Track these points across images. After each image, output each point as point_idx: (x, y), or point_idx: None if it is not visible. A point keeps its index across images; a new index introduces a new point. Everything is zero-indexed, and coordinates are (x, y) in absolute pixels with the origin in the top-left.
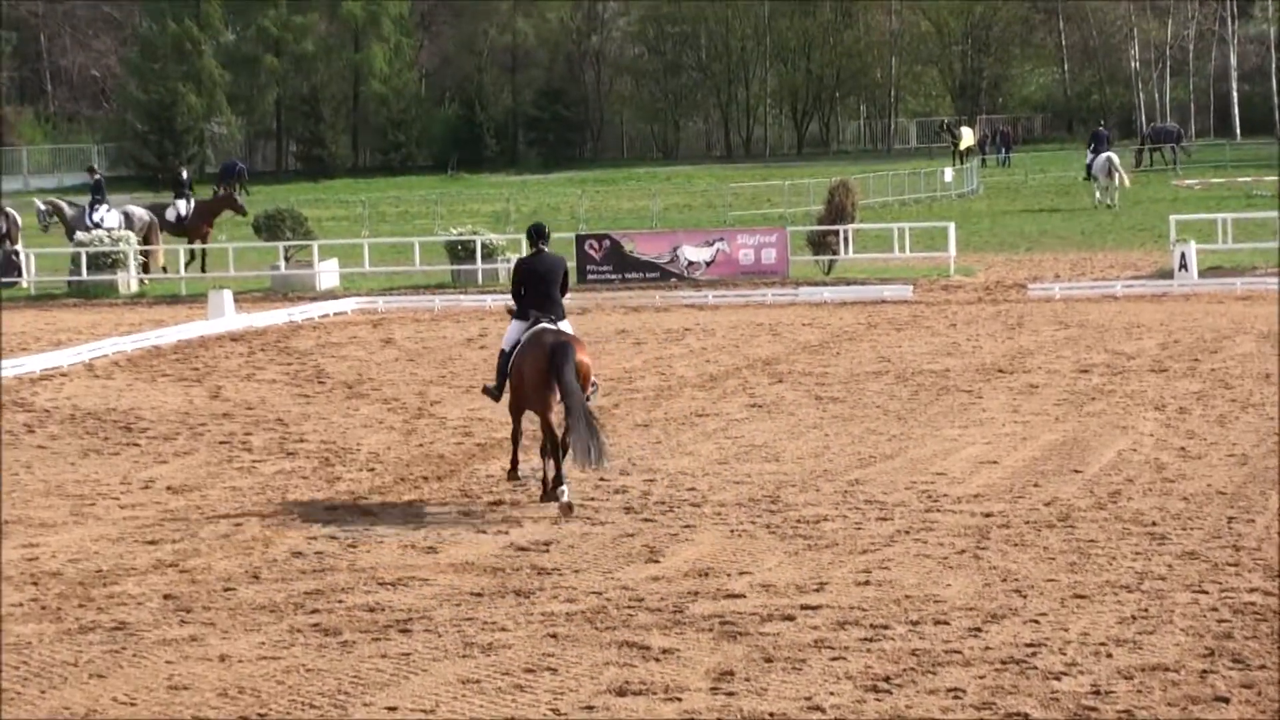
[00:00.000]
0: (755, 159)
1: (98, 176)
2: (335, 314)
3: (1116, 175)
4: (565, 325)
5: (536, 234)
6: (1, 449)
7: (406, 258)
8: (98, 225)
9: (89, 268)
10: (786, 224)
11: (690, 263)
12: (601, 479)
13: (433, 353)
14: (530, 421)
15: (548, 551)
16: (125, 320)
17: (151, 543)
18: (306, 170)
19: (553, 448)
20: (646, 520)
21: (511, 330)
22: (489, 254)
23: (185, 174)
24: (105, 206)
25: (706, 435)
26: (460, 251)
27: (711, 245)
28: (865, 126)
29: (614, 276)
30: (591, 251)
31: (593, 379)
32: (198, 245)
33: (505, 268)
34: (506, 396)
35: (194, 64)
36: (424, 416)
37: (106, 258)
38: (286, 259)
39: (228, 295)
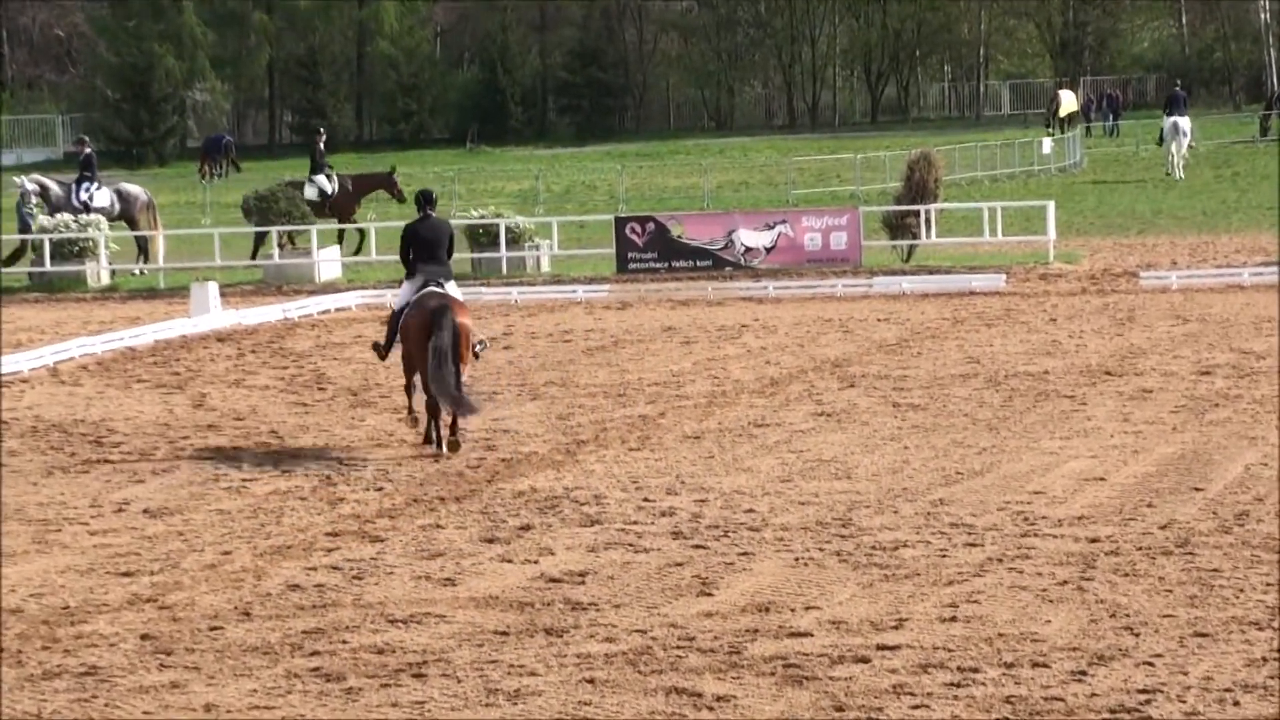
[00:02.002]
0: (822, 128)
1: (88, 150)
2: (337, 310)
3: (1177, 143)
4: (451, 286)
5: (425, 199)
6: (2, 456)
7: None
8: (86, 206)
9: (53, 257)
10: (859, 204)
11: (747, 249)
12: (645, 499)
13: None
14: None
15: (583, 583)
16: (95, 317)
17: (126, 575)
18: (303, 144)
19: (430, 402)
20: (698, 547)
21: (403, 290)
22: (515, 240)
23: (322, 144)
24: (95, 184)
25: (766, 449)
26: (482, 237)
27: (772, 229)
28: (950, 90)
29: (659, 265)
30: (633, 236)
31: (476, 340)
32: (350, 226)
33: (534, 256)
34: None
35: (172, 21)
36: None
37: (73, 245)
38: (280, 246)
39: (213, 288)
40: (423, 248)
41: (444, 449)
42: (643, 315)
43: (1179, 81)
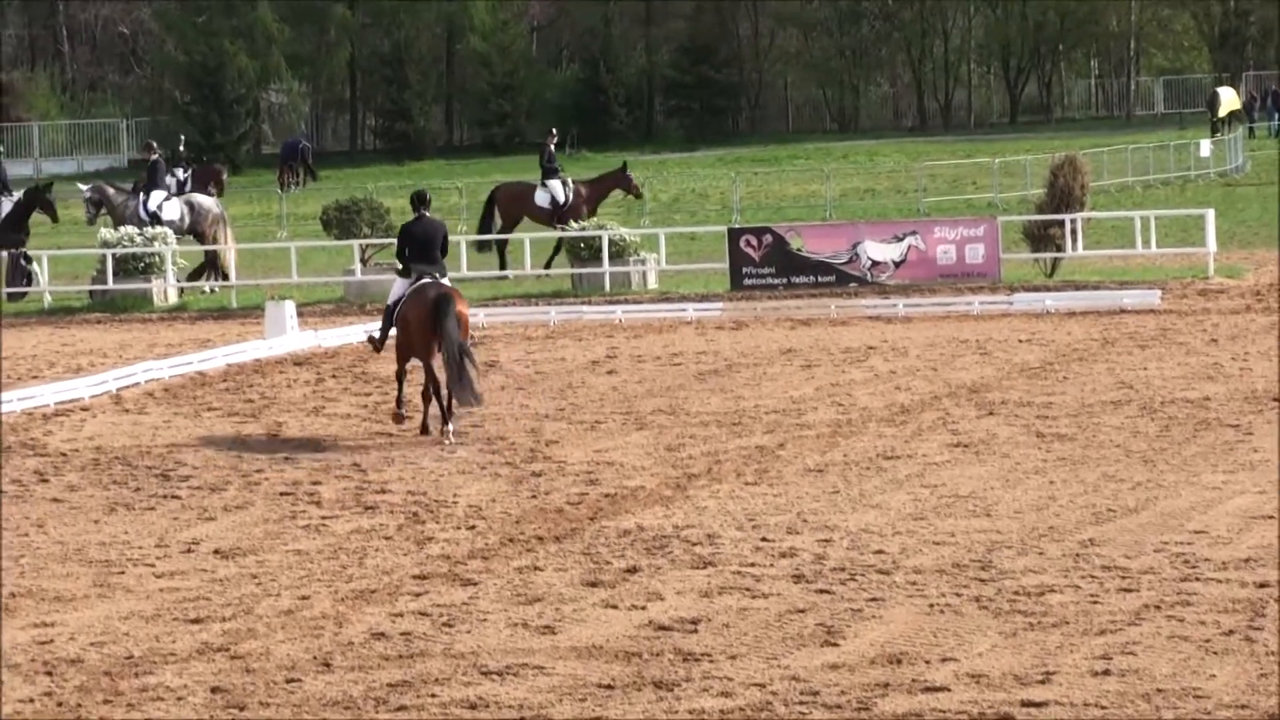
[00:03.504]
0: (956, 130)
1: (156, 156)
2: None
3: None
4: (446, 282)
5: (419, 200)
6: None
7: (514, 259)
8: (155, 218)
9: (116, 274)
10: (997, 213)
11: (874, 263)
12: (764, 538)
13: (548, 379)
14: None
15: (695, 631)
16: (161, 340)
17: (195, 621)
18: (388, 149)
19: (435, 390)
20: (822, 592)
21: (397, 287)
22: (619, 253)
23: (552, 146)
24: (163, 194)
25: (897, 483)
26: (582, 250)
27: (901, 241)
28: (1097, 88)
29: (777, 281)
30: (749, 249)
31: (472, 331)
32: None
33: (640, 271)
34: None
35: (246, 16)
36: (537, 460)
37: (138, 261)
38: (363, 262)
39: (289, 308)
40: (418, 247)
41: (448, 436)
42: (759, 336)
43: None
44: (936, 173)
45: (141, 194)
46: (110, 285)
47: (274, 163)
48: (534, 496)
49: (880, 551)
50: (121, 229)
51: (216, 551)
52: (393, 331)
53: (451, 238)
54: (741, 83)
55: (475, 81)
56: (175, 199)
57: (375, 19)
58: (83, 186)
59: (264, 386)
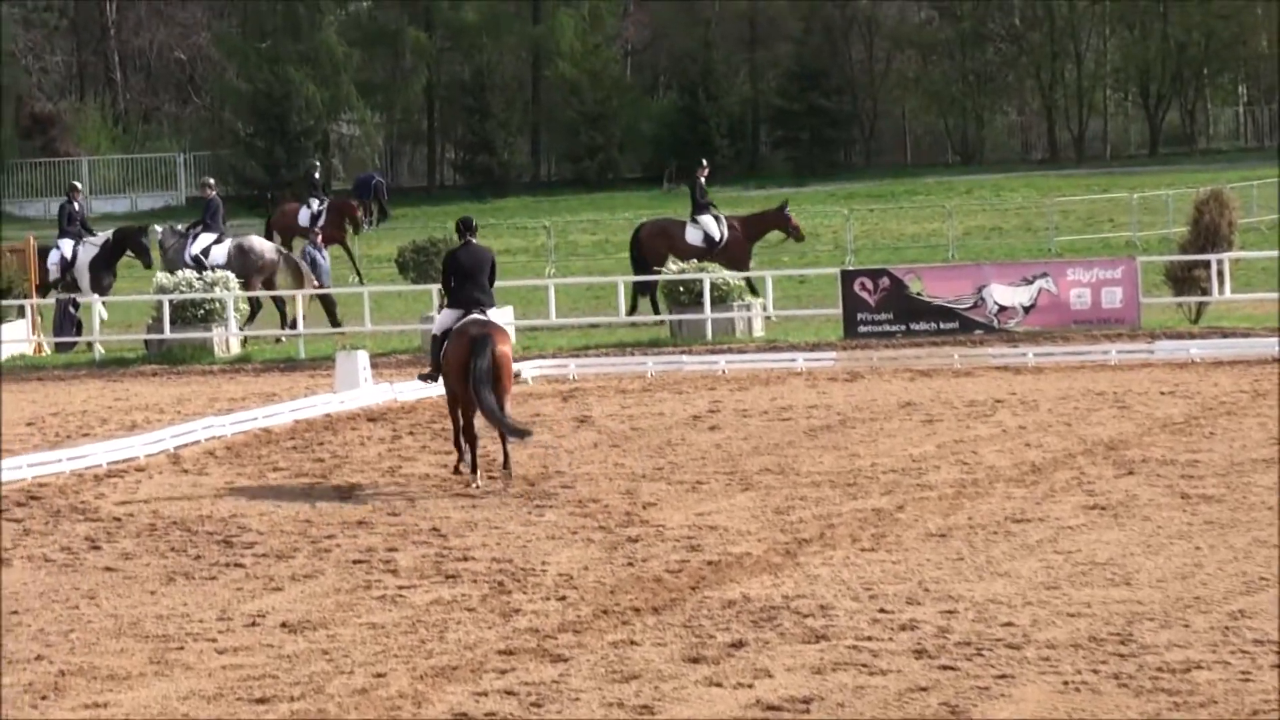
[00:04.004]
0: (1091, 162)
1: (212, 194)
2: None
3: None
4: (494, 313)
5: (465, 227)
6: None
7: (608, 304)
8: (199, 261)
9: (173, 322)
10: (1136, 253)
11: (1001, 308)
12: (881, 610)
13: (645, 435)
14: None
15: (808, 711)
16: (223, 393)
17: (261, 701)
18: (469, 185)
19: (469, 435)
20: (945, 668)
21: (444, 317)
22: (721, 298)
23: (703, 178)
24: (213, 236)
25: (1028, 549)
26: (682, 295)
27: (1031, 284)
28: (1246, 116)
29: (895, 328)
30: (863, 294)
31: (515, 370)
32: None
33: (744, 317)
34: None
35: (312, 41)
36: (634, 524)
37: (197, 308)
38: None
39: (363, 358)
40: (464, 275)
41: (505, 476)
42: (876, 388)
43: None
44: (1069, 209)
45: (189, 234)
46: (167, 334)
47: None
48: (630, 564)
49: (1009, 624)
50: (179, 273)
51: (284, 625)
52: None
53: (538, 280)
54: (854, 111)
55: (564, 111)
56: (227, 241)
57: (454, 43)
58: (158, 228)
59: (335, 444)
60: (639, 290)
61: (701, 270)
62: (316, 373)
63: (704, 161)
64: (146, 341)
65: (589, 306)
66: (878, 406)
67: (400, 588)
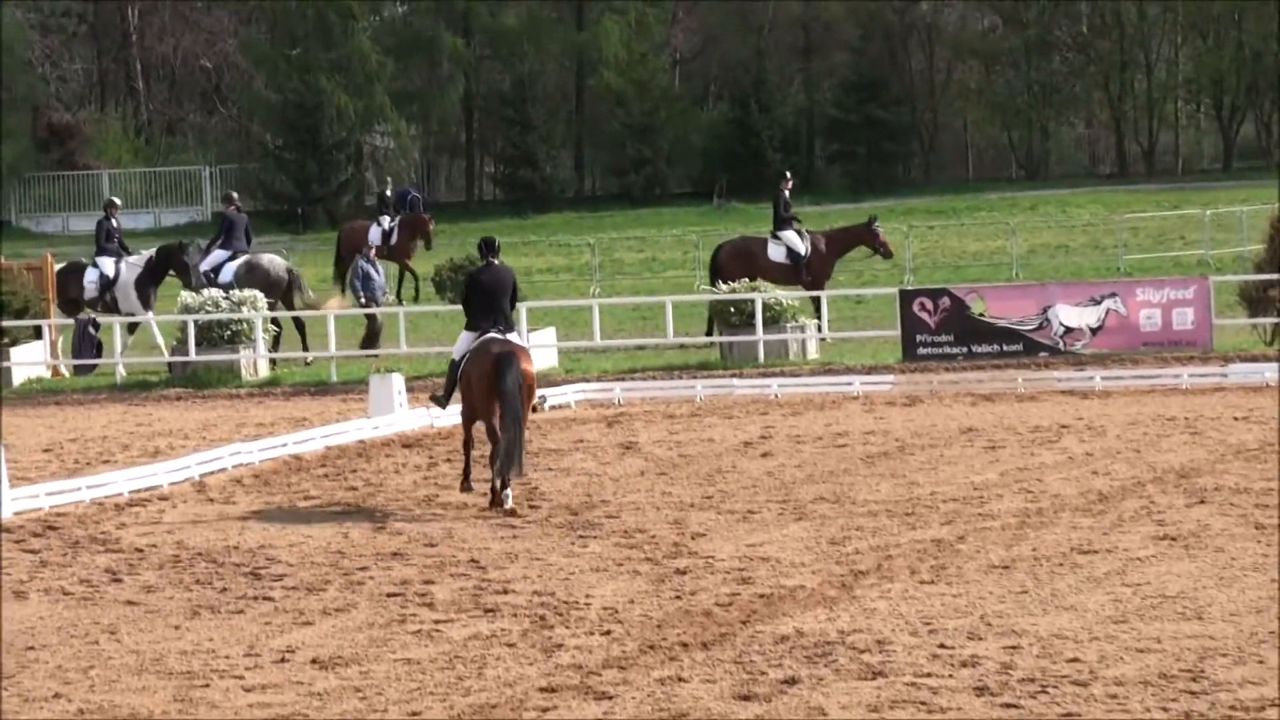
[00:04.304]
0: (1162, 177)
1: (233, 207)
2: (552, 408)
3: None
4: (514, 336)
5: (487, 247)
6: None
7: (655, 325)
8: (209, 279)
9: (199, 344)
10: (1209, 272)
11: (1068, 329)
12: (941, 645)
13: (693, 463)
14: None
15: None
16: (250, 418)
17: None
18: (509, 200)
19: (495, 455)
20: (1009, 706)
21: (462, 341)
22: (774, 319)
23: (787, 192)
24: (226, 254)
25: (1094, 581)
26: (732, 316)
27: (1099, 304)
28: None
29: (956, 350)
30: (923, 314)
31: (538, 392)
32: (820, 294)
33: (798, 339)
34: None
35: (344, 48)
36: (681, 555)
37: (223, 329)
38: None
39: (397, 381)
40: (484, 297)
41: (505, 504)
42: (936, 413)
43: None
44: (1139, 226)
45: (204, 253)
46: (192, 356)
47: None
48: (678, 597)
49: (1075, 660)
50: (205, 292)
51: (314, 661)
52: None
53: (581, 300)
54: (914, 123)
55: (609, 122)
56: (239, 258)
57: (493, 50)
58: (201, 243)
59: (368, 472)
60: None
61: (753, 290)
62: (349, 396)
63: (788, 174)
64: (170, 364)
65: (635, 328)
66: (938, 432)
67: (437, 622)
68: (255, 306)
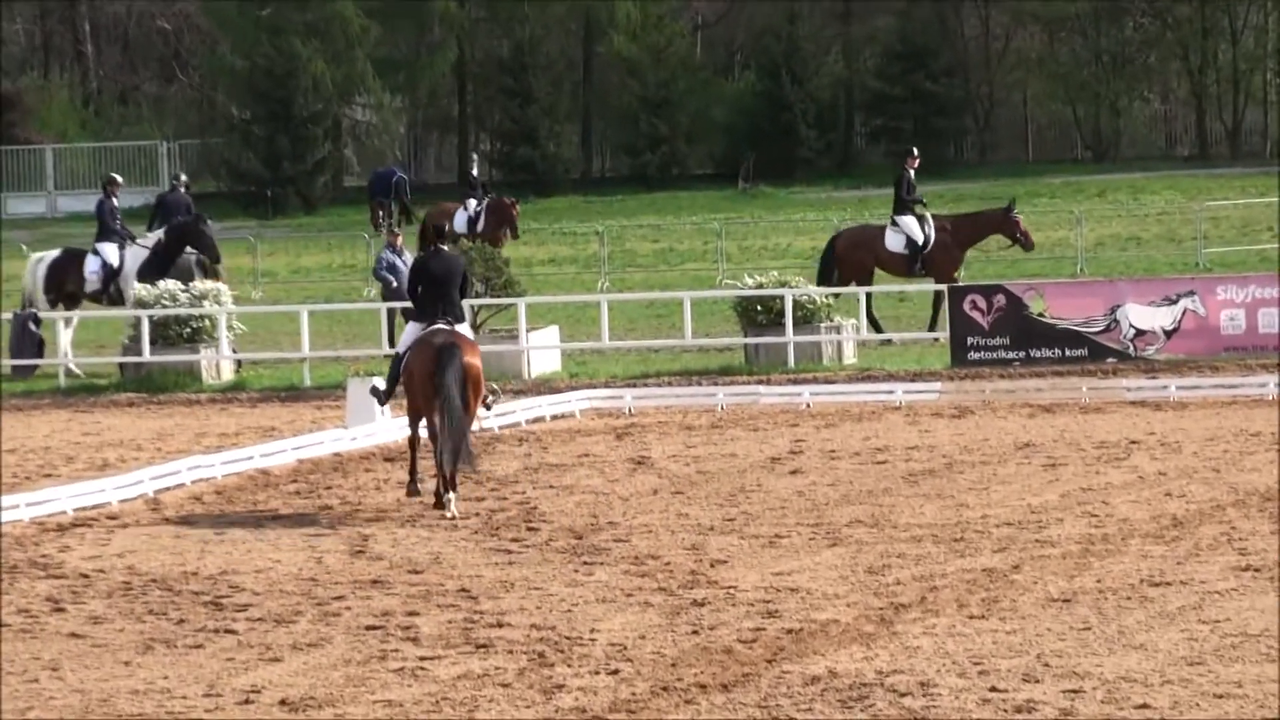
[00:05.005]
0: (1248, 160)
1: (172, 188)
2: (554, 417)
3: None
4: (464, 328)
5: (436, 232)
6: None
7: (672, 324)
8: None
9: (154, 342)
10: None
11: (1138, 331)
12: (993, 688)
13: (713, 480)
14: None
15: None
16: (212, 427)
17: None
18: (508, 182)
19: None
20: None
21: (408, 332)
22: (806, 318)
23: (912, 171)
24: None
25: (1167, 617)
26: (759, 315)
27: (1174, 303)
28: None
29: (1012, 355)
30: (975, 315)
31: (487, 386)
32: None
33: (833, 341)
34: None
35: (321, 10)
36: (699, 585)
37: (182, 326)
38: (475, 328)
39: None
40: (432, 285)
41: (448, 510)
42: (988, 426)
43: None
44: (1220, 215)
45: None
46: (146, 357)
47: (360, 199)
48: (695, 632)
49: (1145, 705)
50: (161, 284)
51: (283, 702)
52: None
53: (588, 295)
54: (967, 97)
55: (620, 95)
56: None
57: (490, 13)
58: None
59: (345, 489)
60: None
61: (782, 285)
62: (324, 403)
63: (914, 150)
64: (122, 365)
65: (648, 327)
66: (990, 448)
67: (422, 659)
68: (218, 301)
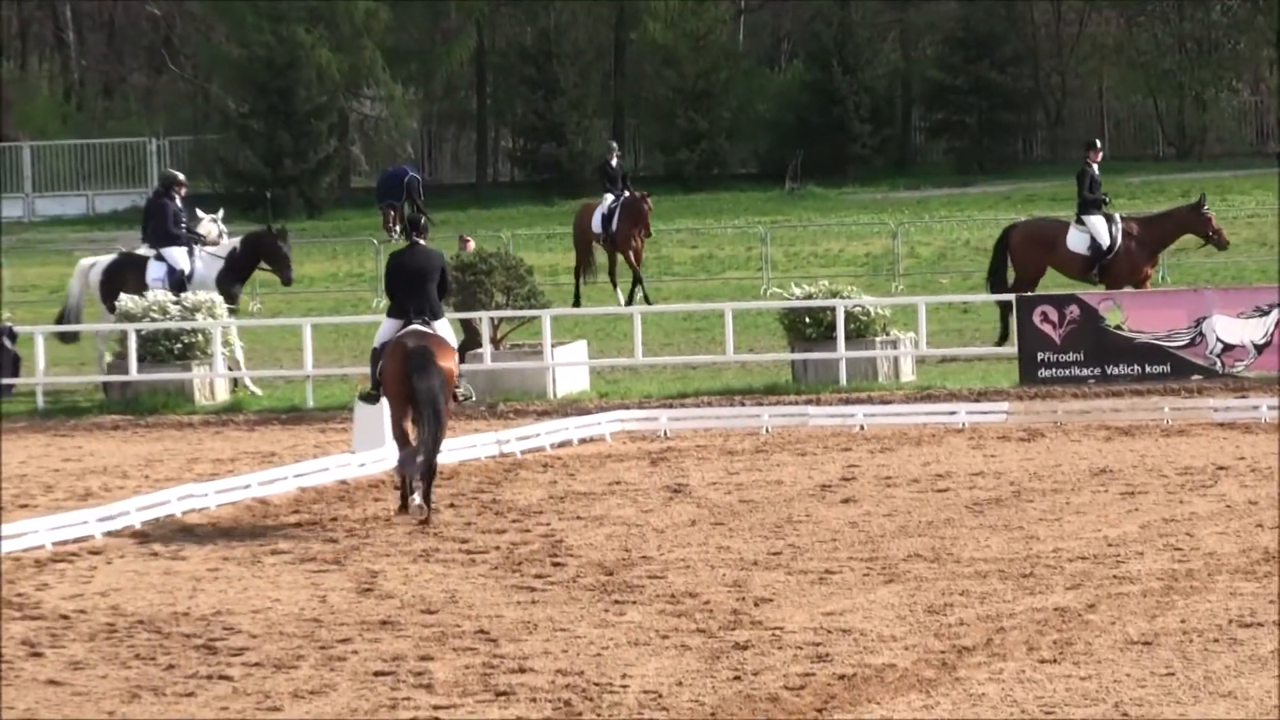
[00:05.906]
0: None
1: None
2: (583, 440)
3: None
4: (441, 325)
5: (413, 226)
6: None
7: (711, 339)
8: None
9: (142, 359)
10: None
11: (1226, 346)
12: None
13: (758, 510)
14: None
15: None
16: (205, 453)
17: None
18: (531, 182)
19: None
20: None
21: (384, 329)
22: (860, 331)
23: (1095, 166)
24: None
25: (1258, 661)
26: (807, 328)
27: (1266, 315)
28: None
29: (1086, 372)
30: (1045, 328)
31: (457, 386)
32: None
33: (889, 356)
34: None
35: None
36: (742, 626)
37: (173, 341)
38: (495, 342)
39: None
40: (408, 281)
41: (419, 515)
42: (1060, 450)
43: None
44: None
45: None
46: (133, 375)
47: (369, 200)
48: (737, 678)
49: None
50: (150, 295)
51: None
52: None
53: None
54: (1036, 89)
55: (655, 86)
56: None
57: None
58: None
59: (351, 520)
60: (1005, 310)
61: (833, 296)
62: (328, 426)
63: (1097, 142)
64: (106, 385)
65: (686, 342)
66: (1063, 474)
67: (436, 707)
68: (212, 314)
